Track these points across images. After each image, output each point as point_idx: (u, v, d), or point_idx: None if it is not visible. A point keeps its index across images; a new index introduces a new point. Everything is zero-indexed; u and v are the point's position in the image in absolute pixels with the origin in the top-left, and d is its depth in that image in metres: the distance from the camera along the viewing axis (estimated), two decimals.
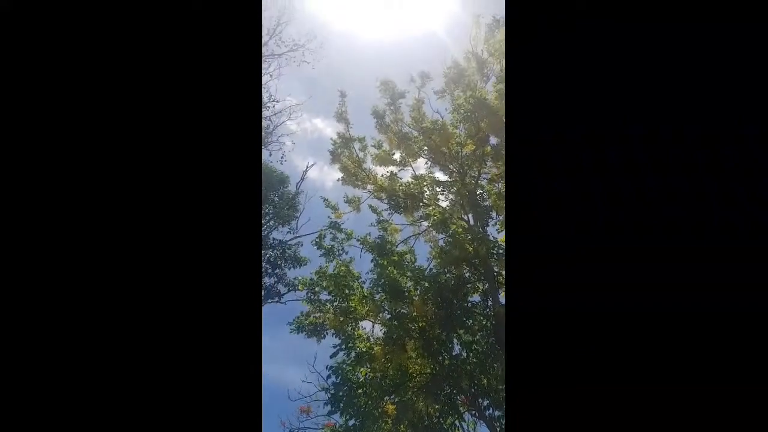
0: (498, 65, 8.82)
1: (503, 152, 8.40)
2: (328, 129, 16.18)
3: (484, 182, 9.03)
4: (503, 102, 8.30)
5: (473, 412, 6.89)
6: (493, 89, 8.65)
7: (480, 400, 6.91)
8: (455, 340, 7.31)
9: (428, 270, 8.18)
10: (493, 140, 8.81)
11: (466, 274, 7.96)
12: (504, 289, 7.93)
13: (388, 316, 7.56)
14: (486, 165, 8.85)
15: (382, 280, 7.60)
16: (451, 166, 9.25)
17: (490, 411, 6.78)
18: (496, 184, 8.85)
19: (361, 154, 9.38)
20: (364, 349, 7.16)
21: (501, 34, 8.66)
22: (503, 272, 8.17)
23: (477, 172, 8.95)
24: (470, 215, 8.82)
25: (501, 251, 8.02)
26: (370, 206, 9.26)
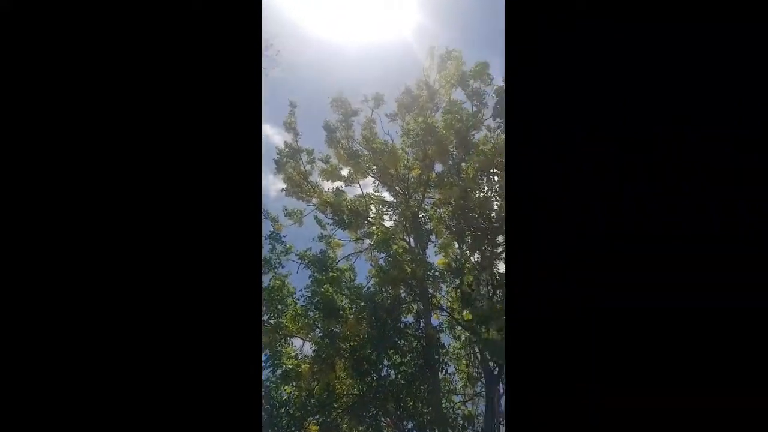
0: (447, 96, 9.27)
1: (446, 179, 8.78)
2: (276, 137, 15.86)
3: (427, 206, 9.33)
4: (450, 132, 8.71)
5: None
6: (441, 119, 9.05)
7: (404, 422, 6.96)
8: (385, 361, 7.35)
9: (366, 288, 8.20)
10: (438, 167, 9.18)
11: (402, 295, 8.10)
12: (436, 311, 8.18)
13: (320, 334, 7.43)
14: (430, 190, 9.16)
15: (317, 298, 7.49)
16: (397, 188, 9.46)
17: None
18: (438, 209, 9.19)
19: (308, 167, 9.29)
20: (290, 367, 6.95)
21: (452, 67, 9.15)
22: (437, 294, 8.43)
23: (421, 196, 9.23)
24: (411, 237, 9.03)
25: (437, 274, 8.28)
26: (316, 218, 9.17)
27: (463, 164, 8.91)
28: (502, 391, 7.45)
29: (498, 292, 7.69)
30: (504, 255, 8.51)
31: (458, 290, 8.00)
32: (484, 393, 7.45)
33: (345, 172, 9.39)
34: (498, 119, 8.29)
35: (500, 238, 8.47)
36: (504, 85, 7.43)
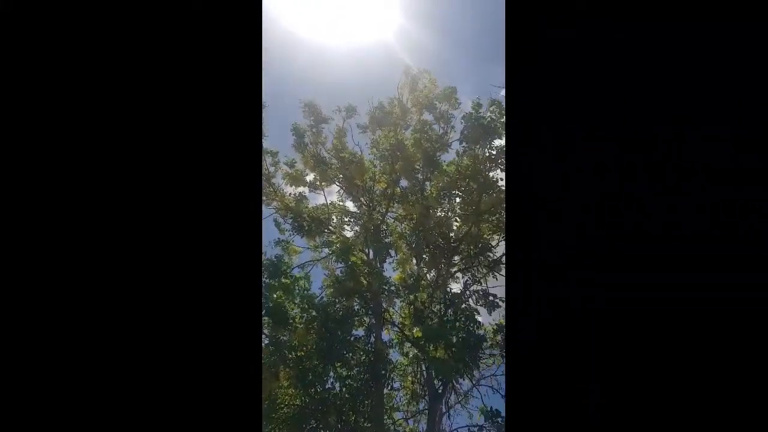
0: (418, 115, 9.49)
1: (410, 195, 8.93)
2: None
3: (390, 220, 9.42)
4: (418, 150, 8.90)
5: None
6: (410, 136, 9.24)
7: None
8: (331, 373, 7.24)
9: (319, 298, 8.08)
10: (404, 183, 9.32)
11: (356, 307, 8.06)
12: (387, 326, 8.19)
13: (266, 342, 7.21)
14: (394, 204, 9.27)
15: (270, 304, 7.28)
16: (362, 199, 9.49)
17: None
18: (400, 224, 9.29)
19: (271, 168, 9.12)
20: None
21: (424, 87, 9.40)
22: (390, 309, 8.47)
23: (385, 210, 9.31)
24: (371, 249, 9.05)
25: (393, 288, 8.33)
26: (275, 221, 8.97)
27: (427, 183, 9.11)
28: (444, 410, 7.54)
29: (449, 311, 7.84)
30: (458, 274, 8.73)
31: (411, 306, 8.08)
32: (426, 411, 7.49)
33: (310, 177, 9.31)
34: (464, 144, 8.57)
35: (456, 258, 8.68)
36: (503, 89, 7.72)
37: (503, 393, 7.34)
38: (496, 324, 7.71)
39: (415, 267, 8.94)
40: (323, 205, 9.33)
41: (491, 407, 7.05)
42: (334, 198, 9.59)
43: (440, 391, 7.38)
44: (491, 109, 8.18)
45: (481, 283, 8.37)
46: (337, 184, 9.48)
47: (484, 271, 8.37)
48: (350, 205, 9.55)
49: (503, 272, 8.26)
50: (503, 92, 7.77)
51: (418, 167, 9.00)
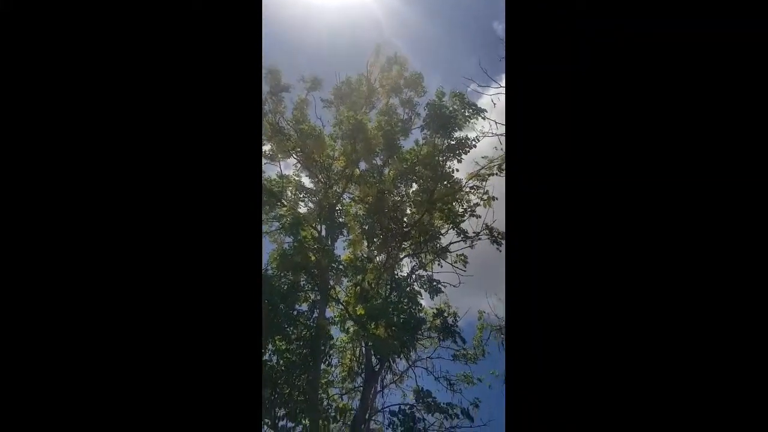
0: (385, 99, 9.46)
1: (368, 178, 8.92)
2: None
3: (346, 200, 9.37)
4: (380, 133, 8.89)
5: (267, 421, 6.75)
6: (375, 119, 9.19)
7: (277, 409, 6.84)
8: (270, 346, 7.15)
9: (264, 271, 7.90)
10: (363, 165, 9.29)
11: (302, 283, 7.98)
12: (332, 303, 8.22)
13: None
14: (351, 185, 9.22)
15: None
16: (319, 176, 9.34)
17: (284, 422, 6.77)
18: (356, 206, 9.28)
19: None
20: None
21: (396, 72, 9.37)
22: (337, 287, 8.49)
23: (342, 189, 9.24)
24: (323, 227, 8.97)
25: (341, 268, 8.35)
26: None
27: (386, 168, 9.16)
28: (379, 388, 7.76)
29: (393, 293, 8.01)
30: (406, 259, 8.93)
31: (358, 287, 8.16)
32: (361, 388, 7.66)
33: (266, 147, 8.99)
34: (425, 131, 8.68)
35: (406, 244, 8.86)
36: (474, 84, 7.81)
37: (436, 375, 7.70)
38: (436, 308, 8.03)
39: (366, 249, 9.01)
40: (279, 176, 9.08)
41: (423, 387, 7.39)
42: (290, 172, 9.36)
43: (377, 369, 7.57)
44: (453, 99, 8.33)
45: (426, 270, 8.63)
46: (295, 157, 9.25)
47: (431, 257, 8.63)
48: (306, 180, 9.38)
49: (449, 260, 8.59)
50: (472, 86, 7.93)
51: (378, 150, 9.00)
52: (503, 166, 8.01)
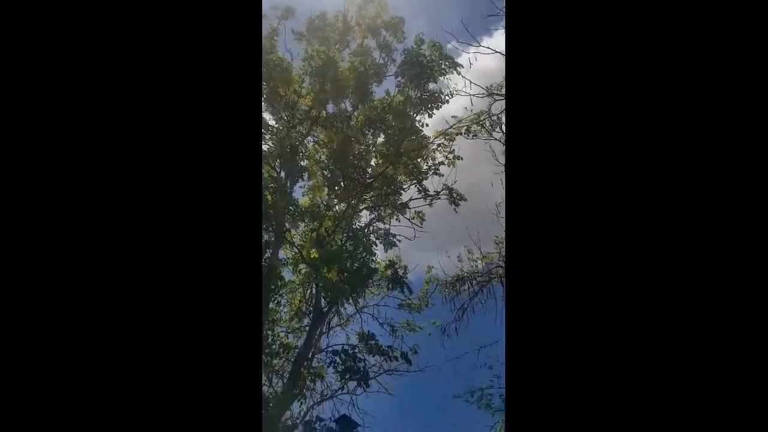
0: (360, 39, 8.90)
1: (334, 123, 8.55)
2: None
3: (309, 143, 9.00)
4: (353, 75, 8.45)
5: None
6: (347, 59, 8.67)
7: None
8: None
9: None
10: (331, 107, 8.88)
11: None
12: (286, 246, 8.14)
13: None
14: (317, 127, 8.83)
15: None
16: (283, 114, 8.83)
17: None
18: (320, 151, 8.96)
19: None
20: None
21: (373, 11, 8.77)
22: (292, 231, 8.38)
23: (306, 131, 8.84)
24: (283, 170, 8.65)
25: (298, 212, 8.19)
26: None
27: (355, 113, 8.82)
28: (325, 329, 7.99)
29: (348, 243, 8.05)
30: (365, 211, 8.92)
31: (314, 233, 8.09)
32: (307, 327, 7.85)
33: None
34: (399, 79, 8.36)
35: (367, 195, 8.80)
36: (455, 41, 7.47)
37: (381, 321, 8.05)
38: (388, 260, 8.21)
39: (326, 197, 8.86)
40: None
41: (368, 330, 7.72)
42: None
43: (325, 310, 7.74)
44: (432, 50, 8.01)
45: (384, 223, 8.71)
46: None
47: (390, 211, 8.68)
48: (268, 116, 8.84)
49: (407, 215, 8.69)
50: (453, 43, 7.62)
51: (349, 93, 8.59)
52: (472, 128, 7.99)
